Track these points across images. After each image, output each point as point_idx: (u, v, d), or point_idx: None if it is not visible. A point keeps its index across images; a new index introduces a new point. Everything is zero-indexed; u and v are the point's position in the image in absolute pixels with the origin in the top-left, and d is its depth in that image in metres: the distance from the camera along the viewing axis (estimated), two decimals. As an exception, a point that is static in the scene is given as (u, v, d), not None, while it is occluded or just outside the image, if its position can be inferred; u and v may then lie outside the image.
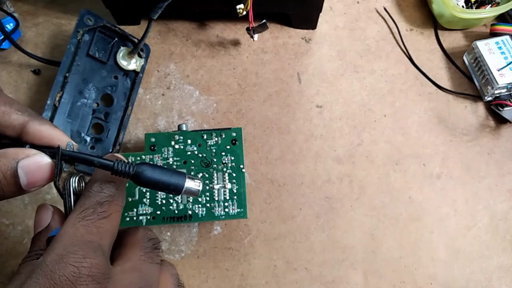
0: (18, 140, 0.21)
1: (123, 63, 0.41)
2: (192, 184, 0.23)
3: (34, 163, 0.20)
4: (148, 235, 0.22)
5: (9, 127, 0.21)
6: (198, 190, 0.23)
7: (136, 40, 0.41)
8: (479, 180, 0.42)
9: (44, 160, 0.20)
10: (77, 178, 0.21)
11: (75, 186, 0.21)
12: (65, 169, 0.21)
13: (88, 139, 0.39)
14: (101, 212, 0.20)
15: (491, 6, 0.46)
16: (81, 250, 0.18)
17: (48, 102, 0.36)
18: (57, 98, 0.37)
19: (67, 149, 0.22)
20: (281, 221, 0.40)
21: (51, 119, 0.36)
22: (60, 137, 0.22)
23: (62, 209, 0.22)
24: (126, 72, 0.41)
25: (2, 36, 0.41)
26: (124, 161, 0.21)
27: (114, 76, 0.41)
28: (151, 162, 0.36)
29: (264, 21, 0.40)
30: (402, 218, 0.40)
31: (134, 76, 0.42)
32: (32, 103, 0.37)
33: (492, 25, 0.45)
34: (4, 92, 0.42)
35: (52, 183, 0.21)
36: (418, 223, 0.40)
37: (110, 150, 0.40)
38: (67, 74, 0.37)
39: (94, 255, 0.18)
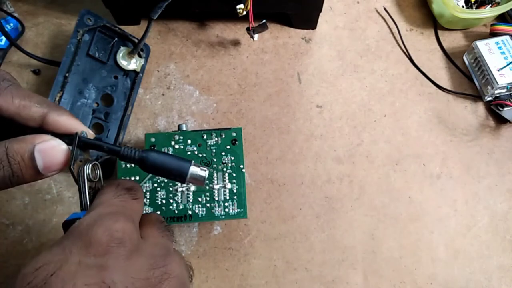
0: (40, 130, 0.22)
1: (123, 63, 0.41)
2: (197, 170, 0.23)
3: (50, 147, 0.21)
4: (160, 218, 0.24)
5: (30, 119, 0.22)
6: (204, 177, 0.23)
7: (136, 40, 0.41)
8: (479, 180, 0.42)
9: (59, 144, 0.22)
10: (91, 165, 0.23)
11: (89, 172, 0.22)
12: (80, 157, 0.23)
13: None
14: (133, 193, 0.22)
15: (491, 6, 0.46)
16: (115, 216, 0.19)
17: None
18: (57, 98, 0.37)
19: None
20: (281, 221, 0.40)
21: None
22: (77, 126, 0.23)
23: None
24: (126, 72, 0.41)
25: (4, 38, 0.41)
26: (131, 148, 0.23)
27: (114, 76, 0.41)
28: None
29: (264, 21, 0.40)
30: (402, 218, 0.40)
31: (134, 76, 0.42)
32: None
33: (492, 25, 0.45)
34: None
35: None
36: (418, 223, 0.40)
37: None
38: (67, 74, 0.37)
39: (126, 222, 0.19)
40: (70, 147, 0.22)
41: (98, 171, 0.23)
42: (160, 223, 0.24)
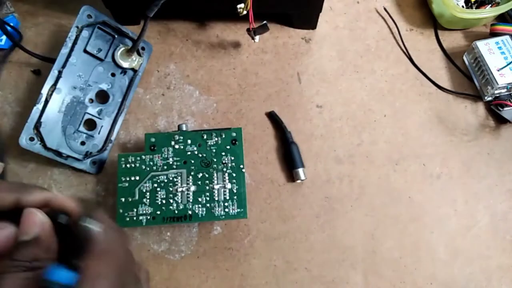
0: (15, 212, 0.22)
1: (121, 61, 0.41)
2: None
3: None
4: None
5: (3, 206, 0.22)
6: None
7: (135, 38, 0.41)
8: (479, 180, 0.42)
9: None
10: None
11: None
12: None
13: (79, 135, 0.39)
14: None
15: (491, 6, 0.46)
16: None
17: (41, 95, 0.37)
18: (50, 92, 0.37)
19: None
20: (281, 221, 0.40)
21: (42, 112, 0.37)
22: (51, 198, 0.23)
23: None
24: (124, 70, 0.41)
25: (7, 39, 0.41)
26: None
27: (111, 73, 0.41)
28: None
29: (264, 22, 0.40)
30: (402, 218, 0.40)
31: (132, 74, 0.42)
32: (32, 104, 0.37)
33: (492, 25, 0.45)
34: (4, 91, 0.42)
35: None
36: (418, 223, 0.40)
37: (101, 147, 0.40)
38: (61, 69, 0.37)
39: None
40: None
41: None
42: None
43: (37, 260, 0.20)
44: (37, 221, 0.21)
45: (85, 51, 0.39)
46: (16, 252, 0.20)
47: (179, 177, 0.37)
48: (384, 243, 0.40)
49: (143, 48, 0.43)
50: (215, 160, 0.37)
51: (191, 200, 0.36)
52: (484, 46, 0.44)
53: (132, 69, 0.42)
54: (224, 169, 0.37)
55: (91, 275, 0.20)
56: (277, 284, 0.38)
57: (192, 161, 0.37)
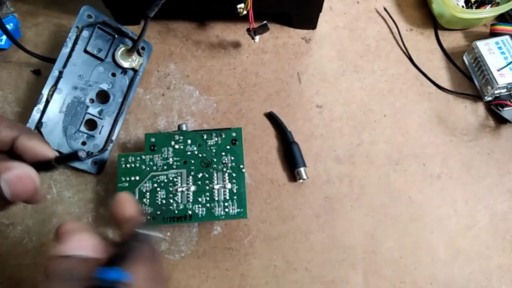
0: (10, 153, 0.22)
1: (121, 60, 0.41)
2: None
3: (17, 177, 0.21)
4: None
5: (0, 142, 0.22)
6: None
7: (135, 38, 0.41)
8: (479, 180, 0.42)
9: (26, 172, 0.21)
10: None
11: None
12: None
13: (80, 135, 0.39)
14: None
15: (491, 6, 0.46)
16: None
17: (41, 96, 0.37)
18: (50, 93, 0.37)
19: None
20: (281, 221, 0.40)
21: (43, 113, 0.37)
22: (45, 152, 0.23)
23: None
24: (124, 70, 0.41)
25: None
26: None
27: (111, 73, 0.41)
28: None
29: (264, 22, 0.40)
30: (402, 218, 0.40)
31: (133, 74, 0.42)
32: (32, 104, 0.37)
33: (492, 25, 0.46)
34: (4, 91, 0.42)
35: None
36: (418, 223, 0.40)
37: (102, 147, 0.40)
38: (62, 69, 0.37)
39: None
40: (39, 173, 0.21)
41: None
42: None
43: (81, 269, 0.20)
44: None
45: (85, 51, 0.39)
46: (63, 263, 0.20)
47: (179, 177, 0.37)
48: (384, 243, 0.40)
49: (143, 48, 0.43)
50: (215, 160, 0.37)
51: (191, 200, 0.36)
52: (484, 46, 0.44)
53: (133, 69, 0.42)
54: (224, 169, 0.37)
55: (142, 278, 0.20)
56: (277, 284, 0.38)
57: (192, 161, 0.37)
